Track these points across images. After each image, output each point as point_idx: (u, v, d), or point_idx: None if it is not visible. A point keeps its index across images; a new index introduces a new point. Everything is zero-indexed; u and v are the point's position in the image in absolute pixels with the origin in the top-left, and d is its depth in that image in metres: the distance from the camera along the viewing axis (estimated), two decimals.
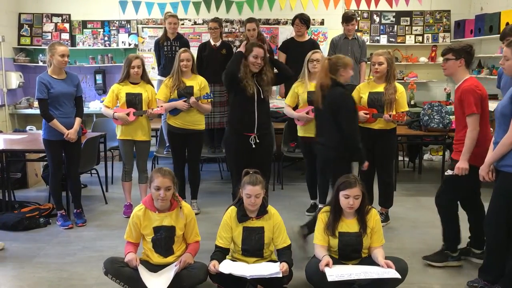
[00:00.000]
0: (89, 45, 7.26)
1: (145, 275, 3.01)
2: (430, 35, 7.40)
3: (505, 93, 3.27)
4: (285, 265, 3.00)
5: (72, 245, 4.04)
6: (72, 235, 4.28)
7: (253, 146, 4.01)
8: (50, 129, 4.25)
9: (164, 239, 3.15)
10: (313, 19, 7.02)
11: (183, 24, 7.07)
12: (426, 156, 7.26)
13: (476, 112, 3.33)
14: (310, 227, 3.59)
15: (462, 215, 3.68)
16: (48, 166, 4.58)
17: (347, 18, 5.79)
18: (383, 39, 7.36)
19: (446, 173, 3.54)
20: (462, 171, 3.38)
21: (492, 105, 4.01)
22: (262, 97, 3.99)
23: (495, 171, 3.09)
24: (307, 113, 4.46)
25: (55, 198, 4.49)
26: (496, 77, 4.31)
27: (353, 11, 6.91)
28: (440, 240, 4.14)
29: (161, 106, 4.56)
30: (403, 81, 7.11)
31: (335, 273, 2.90)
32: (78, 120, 4.40)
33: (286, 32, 6.94)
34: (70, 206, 4.66)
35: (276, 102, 6.80)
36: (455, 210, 3.62)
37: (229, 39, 7.11)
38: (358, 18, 7.15)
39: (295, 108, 4.63)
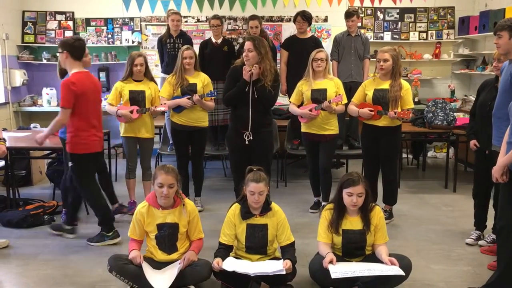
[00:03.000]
0: (92, 43, 7.27)
1: (149, 272, 3.02)
2: (434, 32, 7.36)
3: (502, 92, 3.25)
4: (288, 262, 3.00)
5: (77, 242, 4.06)
6: (76, 232, 4.29)
7: (246, 142, 4.03)
8: None
9: (167, 236, 3.16)
10: (317, 16, 7.01)
11: (186, 21, 7.07)
12: (430, 153, 7.25)
13: (66, 106, 3.70)
14: None
15: None
16: (53, 164, 4.57)
17: (348, 14, 5.78)
18: (387, 36, 7.34)
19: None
20: (38, 141, 3.87)
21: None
22: (255, 96, 3.98)
23: (509, 172, 2.92)
24: (310, 110, 4.46)
25: (65, 197, 4.50)
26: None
27: (356, 7, 6.89)
28: (444, 236, 4.15)
29: (165, 104, 4.56)
30: (407, 78, 7.09)
31: (339, 270, 2.90)
32: None
33: (289, 29, 6.91)
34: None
35: (279, 99, 6.79)
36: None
37: (232, 36, 7.10)
38: (362, 15, 7.13)
39: (299, 106, 4.63)
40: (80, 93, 3.73)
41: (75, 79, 3.75)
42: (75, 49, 3.81)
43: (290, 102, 4.76)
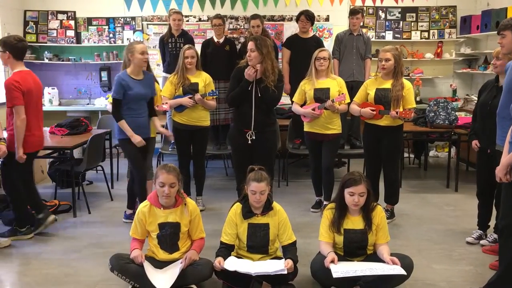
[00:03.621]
0: (94, 42, 7.28)
1: (150, 271, 3.02)
2: (436, 31, 7.35)
3: (506, 92, 3.24)
4: (290, 262, 3.00)
5: (78, 242, 4.06)
6: (78, 232, 4.30)
7: (249, 142, 4.04)
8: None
9: (169, 236, 3.16)
10: (318, 15, 7.01)
11: (188, 21, 7.06)
12: (431, 153, 7.24)
13: (18, 104, 3.74)
14: None
15: None
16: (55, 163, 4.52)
17: (353, 11, 5.78)
18: (389, 35, 7.33)
19: None
20: (20, 159, 3.82)
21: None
22: (259, 95, 3.99)
23: None
24: (313, 109, 4.45)
25: (143, 197, 4.26)
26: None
27: (361, 6, 6.89)
28: (445, 236, 4.14)
29: (166, 103, 4.56)
30: (408, 77, 7.08)
31: (341, 269, 2.89)
32: (157, 120, 4.43)
33: (291, 29, 6.91)
34: (76, 202, 4.69)
35: (281, 99, 6.79)
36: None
37: (234, 35, 7.10)
38: (365, 14, 7.12)
39: (302, 105, 4.63)
40: (25, 90, 3.80)
41: (19, 78, 3.81)
42: (17, 50, 3.87)
43: (292, 101, 4.75)
